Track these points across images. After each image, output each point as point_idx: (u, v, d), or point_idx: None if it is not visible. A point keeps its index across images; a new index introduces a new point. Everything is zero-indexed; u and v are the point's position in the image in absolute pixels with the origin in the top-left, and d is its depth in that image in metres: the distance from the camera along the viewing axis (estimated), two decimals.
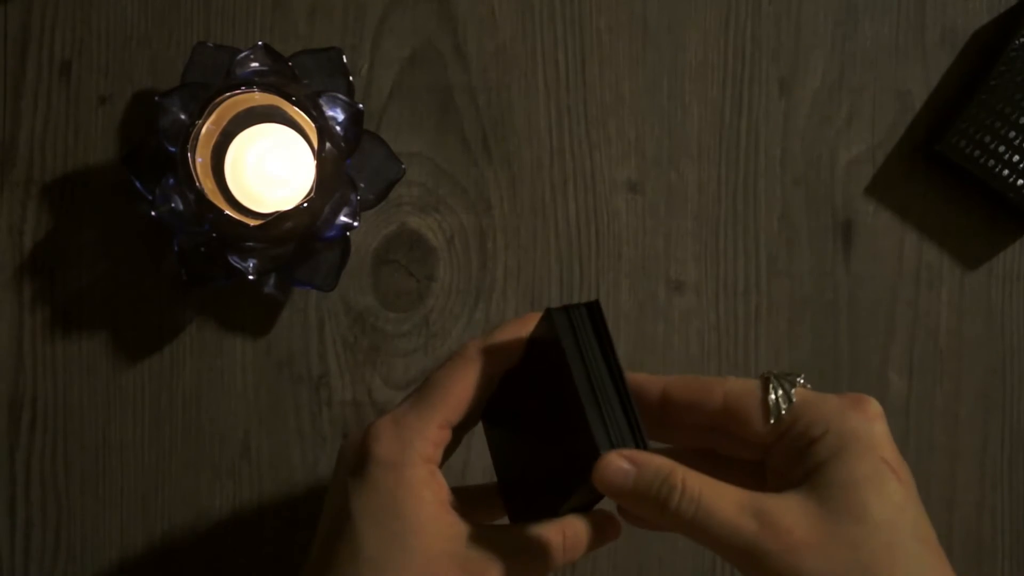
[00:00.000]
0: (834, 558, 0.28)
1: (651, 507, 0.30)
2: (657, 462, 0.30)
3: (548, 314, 0.32)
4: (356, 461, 0.33)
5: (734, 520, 0.29)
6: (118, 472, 0.51)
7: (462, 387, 0.34)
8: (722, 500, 0.29)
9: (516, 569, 0.32)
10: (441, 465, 0.34)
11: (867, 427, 0.30)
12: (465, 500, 0.34)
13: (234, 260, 0.46)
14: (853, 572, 0.28)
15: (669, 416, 0.33)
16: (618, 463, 0.29)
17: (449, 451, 0.37)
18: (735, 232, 0.53)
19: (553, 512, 0.33)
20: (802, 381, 0.32)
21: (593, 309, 0.32)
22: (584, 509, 0.35)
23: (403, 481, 0.32)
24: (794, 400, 0.31)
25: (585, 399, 0.30)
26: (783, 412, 0.31)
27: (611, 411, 0.30)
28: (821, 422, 0.30)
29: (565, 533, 0.33)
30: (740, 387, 0.32)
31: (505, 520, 0.37)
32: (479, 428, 0.38)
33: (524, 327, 0.34)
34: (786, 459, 0.31)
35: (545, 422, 0.33)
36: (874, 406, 0.31)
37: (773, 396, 0.31)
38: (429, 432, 0.33)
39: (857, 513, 0.28)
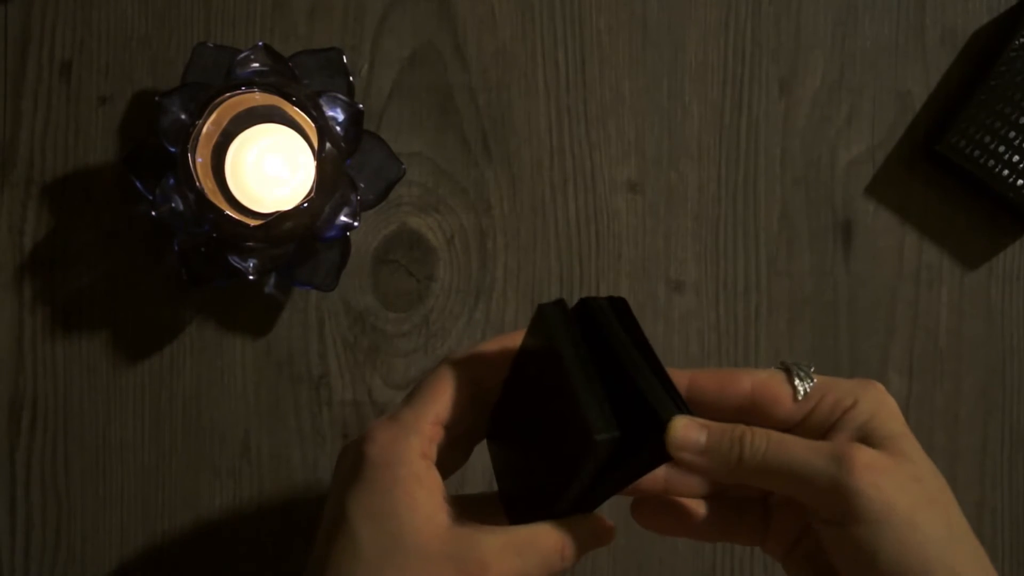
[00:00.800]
0: (905, 487, 0.30)
1: (724, 458, 0.31)
2: (721, 424, 0.32)
3: (581, 302, 0.32)
4: (352, 462, 0.33)
5: (809, 444, 0.31)
6: (118, 472, 0.51)
7: (450, 386, 0.34)
8: (791, 438, 0.31)
9: (514, 569, 0.32)
10: (446, 478, 0.34)
11: (886, 399, 0.33)
12: (466, 508, 0.34)
13: (234, 260, 0.46)
14: (921, 502, 0.30)
15: (695, 409, 0.34)
16: (689, 422, 0.31)
17: (456, 462, 0.37)
18: (735, 232, 0.53)
19: (551, 511, 0.33)
20: (813, 369, 0.34)
21: (616, 301, 0.32)
22: (585, 510, 0.35)
23: (398, 480, 0.32)
24: (815, 380, 0.33)
25: (636, 373, 0.30)
26: (808, 391, 0.33)
27: (652, 386, 0.31)
28: (848, 395, 0.33)
29: (564, 533, 0.33)
30: (765, 374, 0.34)
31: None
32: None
33: (510, 339, 0.35)
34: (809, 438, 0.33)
35: (547, 423, 0.33)
36: (881, 386, 0.34)
37: (797, 379, 0.33)
38: (423, 427, 0.33)
39: (911, 456, 0.31)
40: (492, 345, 0.36)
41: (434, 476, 0.33)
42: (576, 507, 0.34)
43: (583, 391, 0.30)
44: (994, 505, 0.53)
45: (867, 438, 0.32)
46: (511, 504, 0.37)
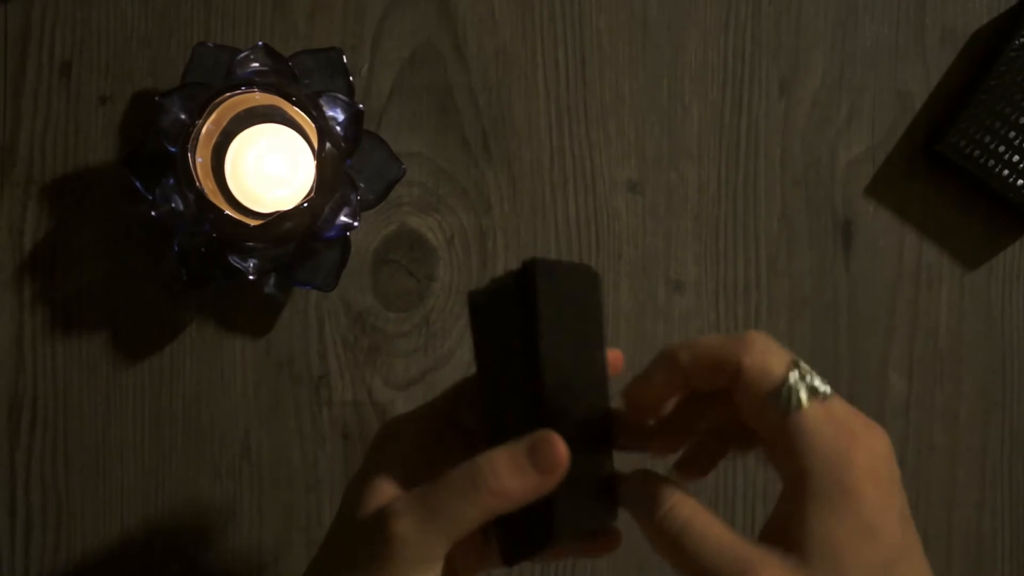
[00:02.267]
0: None
1: (642, 509, 0.31)
2: (656, 478, 0.31)
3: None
4: (370, 528, 0.30)
5: (726, 544, 0.28)
6: (118, 472, 0.51)
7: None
8: (715, 529, 0.28)
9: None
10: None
11: (861, 476, 0.28)
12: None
13: (234, 260, 0.46)
14: None
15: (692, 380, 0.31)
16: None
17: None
18: (735, 232, 0.53)
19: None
20: (828, 390, 0.29)
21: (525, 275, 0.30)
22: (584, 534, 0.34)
23: None
24: (804, 405, 0.28)
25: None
26: (789, 412, 0.28)
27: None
28: (820, 460, 0.28)
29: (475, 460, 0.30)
30: (759, 367, 0.29)
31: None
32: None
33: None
34: (779, 458, 0.30)
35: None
36: (881, 443, 0.28)
37: (784, 396, 0.28)
38: (463, 529, 0.30)
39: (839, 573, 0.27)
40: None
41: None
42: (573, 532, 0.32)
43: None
44: (994, 505, 0.53)
45: (801, 543, 0.27)
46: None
